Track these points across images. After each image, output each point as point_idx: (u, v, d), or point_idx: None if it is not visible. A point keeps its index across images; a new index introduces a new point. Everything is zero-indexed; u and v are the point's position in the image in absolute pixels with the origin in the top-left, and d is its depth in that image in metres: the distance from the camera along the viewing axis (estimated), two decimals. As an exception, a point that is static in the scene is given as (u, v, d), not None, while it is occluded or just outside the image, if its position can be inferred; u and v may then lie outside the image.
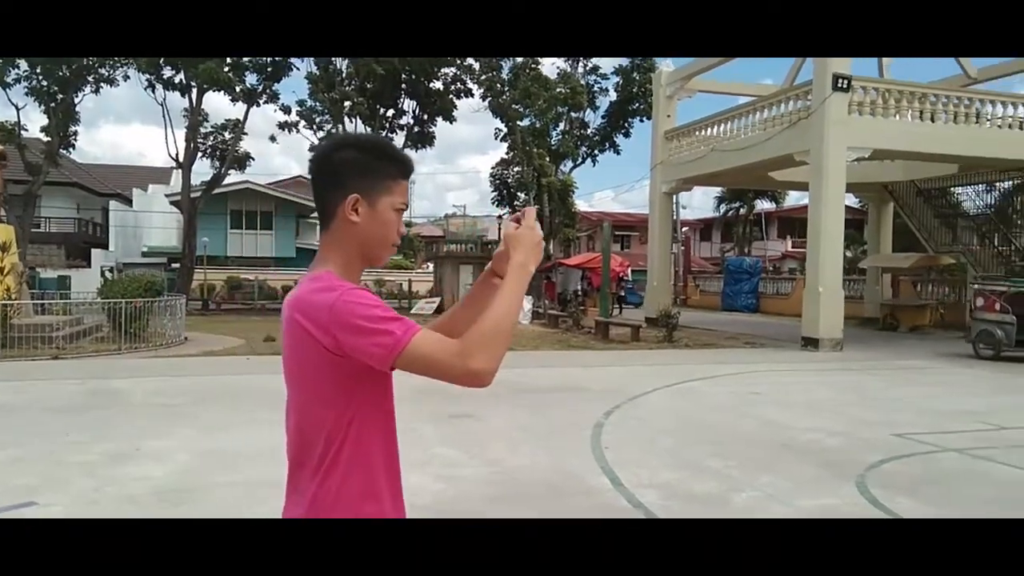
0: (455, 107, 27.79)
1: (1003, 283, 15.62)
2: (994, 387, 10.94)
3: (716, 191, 42.15)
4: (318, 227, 1.58)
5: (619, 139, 30.05)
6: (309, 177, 1.62)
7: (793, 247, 45.14)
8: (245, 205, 34.75)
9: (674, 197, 24.35)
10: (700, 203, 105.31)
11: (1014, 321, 14.08)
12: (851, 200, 29.18)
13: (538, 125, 28.37)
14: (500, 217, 33.22)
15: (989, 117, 17.52)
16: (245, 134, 28.37)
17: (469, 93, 27.82)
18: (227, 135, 27.53)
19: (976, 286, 16.03)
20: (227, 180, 29.77)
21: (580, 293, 25.17)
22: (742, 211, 43.94)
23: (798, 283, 26.79)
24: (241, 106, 26.59)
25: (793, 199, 42.53)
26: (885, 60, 21.34)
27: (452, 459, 6.28)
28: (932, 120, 16.50)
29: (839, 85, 15.41)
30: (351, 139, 1.64)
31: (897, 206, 23.42)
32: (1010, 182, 22.11)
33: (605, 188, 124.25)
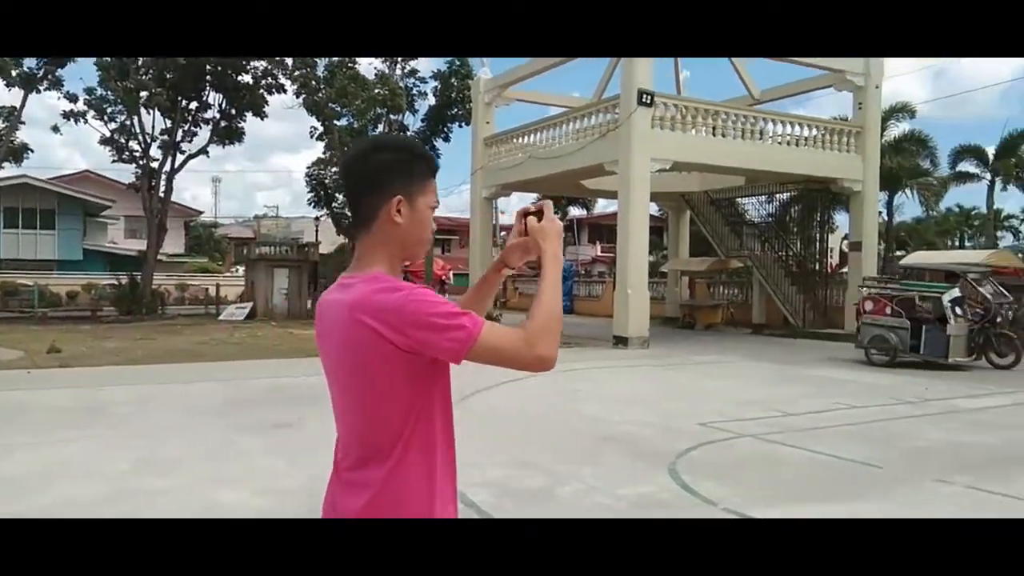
0: (266, 103, 26.54)
1: (893, 287, 15.15)
2: (779, 378, 12.18)
3: (533, 197, 43.59)
4: (351, 228, 1.68)
5: (439, 143, 30.18)
6: (343, 181, 1.68)
7: (602, 251, 47.73)
8: (22, 202, 30.99)
9: (494, 202, 24.85)
10: (518, 208, 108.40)
11: (908, 326, 13.77)
12: (653, 208, 31.35)
13: (356, 125, 27.80)
14: (317, 219, 32.14)
15: (771, 135, 19.59)
16: (22, 123, 25.34)
17: (281, 89, 26.66)
18: (0, 123, 24.43)
19: (865, 290, 15.38)
20: (0, 174, 26.44)
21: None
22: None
23: (607, 286, 28.33)
24: (18, 92, 23.72)
25: (601, 206, 44.98)
26: (682, 77, 23.16)
27: (275, 470, 5.96)
28: (723, 136, 18.12)
29: (643, 100, 16.49)
30: (385, 141, 1.73)
31: (693, 214, 25.47)
32: (787, 194, 24.78)
33: None
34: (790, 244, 24.60)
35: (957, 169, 33.71)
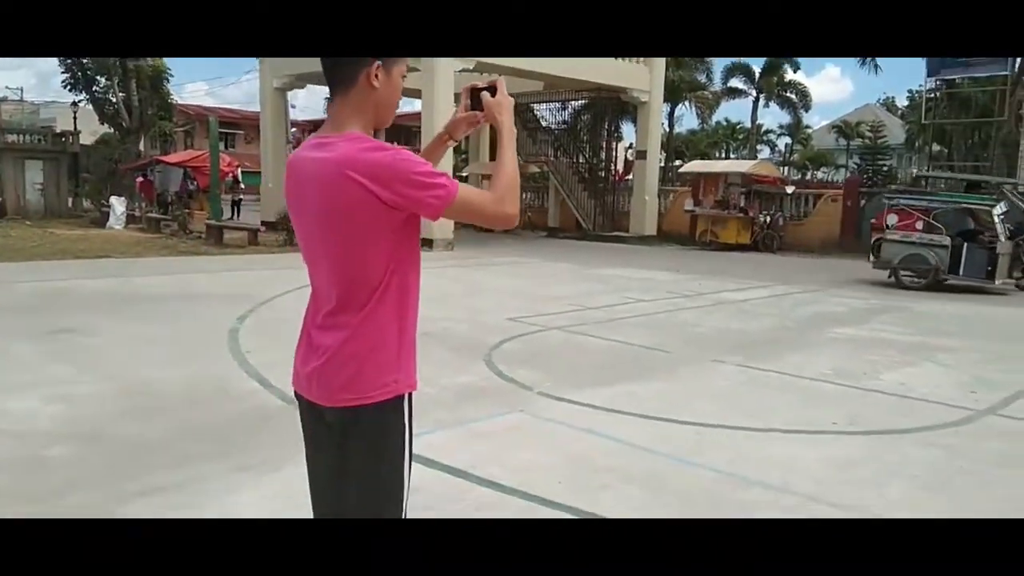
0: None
1: (925, 198, 13.11)
2: (576, 277, 12.98)
3: (326, 91, 41.41)
4: (332, 91, 1.70)
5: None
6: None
7: (400, 153, 46.85)
8: None
9: (286, 94, 23.33)
10: (307, 103, 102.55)
11: (948, 243, 11.89)
12: (453, 110, 31.12)
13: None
14: (76, 105, 28.28)
15: (568, 42, 20.04)
16: None
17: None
18: None
19: (889, 201, 13.29)
20: None
21: (184, 195, 23.00)
22: (351, 115, 43.98)
23: (407, 187, 28.04)
24: None
25: (403, 104, 43.83)
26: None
27: (64, 377, 5.44)
28: (526, 39, 18.25)
29: None
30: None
31: (493, 118, 25.66)
32: (580, 102, 25.69)
33: (198, 80, 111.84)
34: (582, 151, 25.75)
35: (728, 85, 36.76)
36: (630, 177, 26.08)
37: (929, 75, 19.75)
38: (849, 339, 7.84)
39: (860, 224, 17.84)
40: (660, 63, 22.21)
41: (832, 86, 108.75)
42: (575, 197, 23.70)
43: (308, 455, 1.84)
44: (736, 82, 36.58)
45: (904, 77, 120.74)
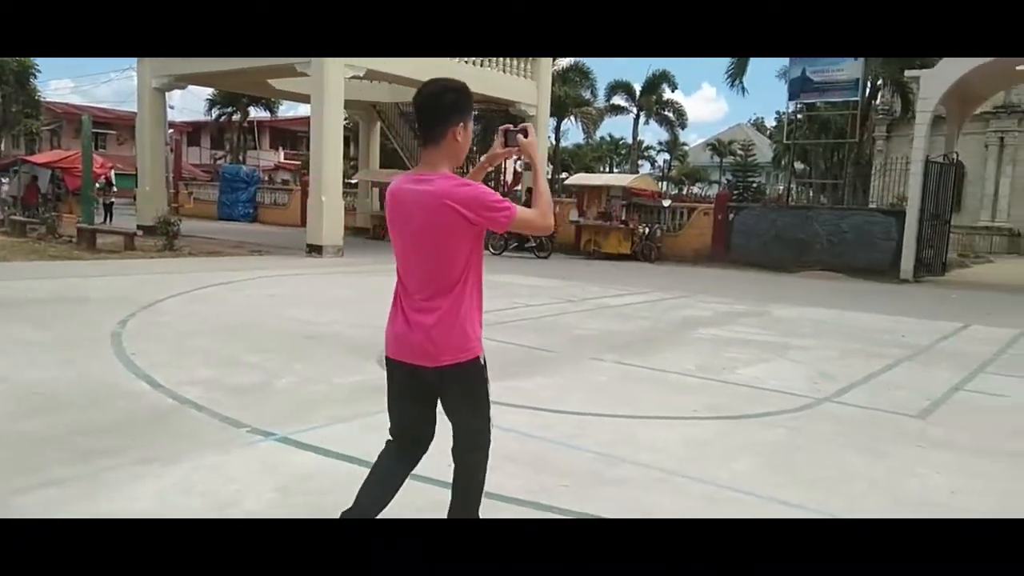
0: None
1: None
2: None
3: (207, 93, 40.06)
4: (427, 140, 2.50)
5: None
6: (421, 112, 2.44)
7: (286, 158, 45.85)
8: None
9: (166, 95, 22.50)
10: (184, 104, 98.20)
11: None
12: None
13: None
14: None
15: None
16: None
17: None
18: None
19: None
20: None
21: (52, 196, 21.75)
22: (235, 118, 42.71)
23: (295, 194, 27.64)
24: None
25: (284, 110, 42.96)
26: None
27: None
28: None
29: (340, 3, 16.13)
30: (449, 84, 2.47)
31: (384, 125, 25.73)
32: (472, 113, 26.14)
33: (63, 77, 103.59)
34: (472, 162, 26.17)
35: (611, 102, 38.28)
36: (519, 188, 26.76)
37: (791, 99, 21.44)
38: (713, 339, 8.58)
39: (729, 236, 19.17)
40: (547, 78, 22.98)
41: (708, 106, 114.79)
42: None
43: (402, 407, 2.69)
44: (619, 99, 38.20)
45: (773, 99, 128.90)
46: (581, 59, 34.63)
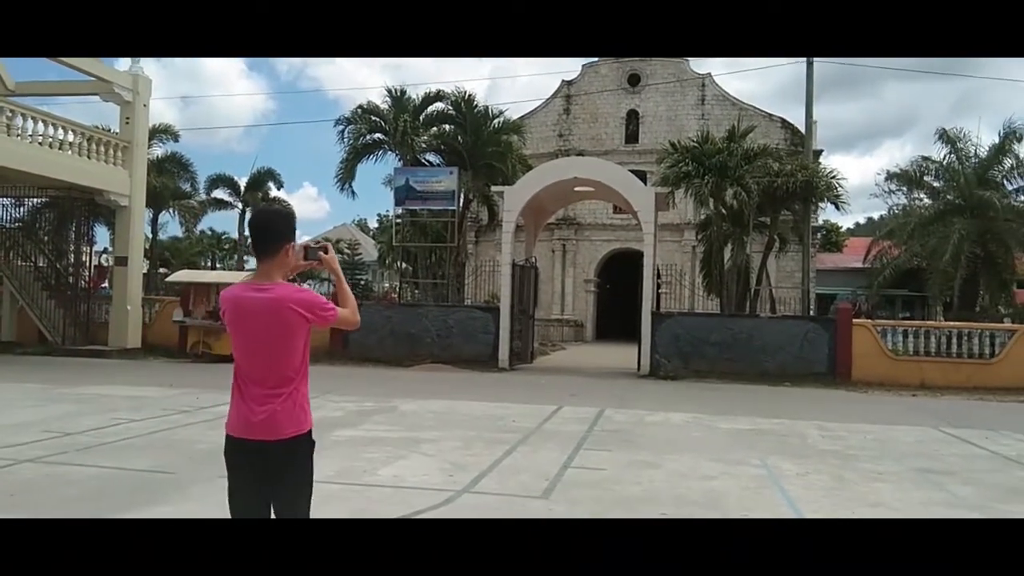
0: None
1: None
2: (47, 398, 11.21)
3: None
4: (263, 256, 2.93)
5: None
6: (259, 231, 2.97)
7: None
8: None
9: None
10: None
11: None
12: None
13: None
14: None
15: (29, 132, 17.79)
16: None
17: None
18: None
19: None
20: None
21: None
22: None
23: None
24: None
25: None
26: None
27: None
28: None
29: None
30: (283, 211, 3.50)
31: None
32: (40, 199, 22.75)
33: None
34: (46, 254, 22.63)
35: (213, 195, 36.63)
36: (106, 284, 23.76)
37: (397, 205, 22.92)
38: (349, 440, 8.47)
39: (346, 333, 19.39)
40: (142, 167, 21.16)
41: (311, 204, 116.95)
42: (38, 306, 20.53)
43: (239, 486, 2.88)
44: (221, 193, 36.73)
45: (375, 202, 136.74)
46: (179, 151, 32.78)
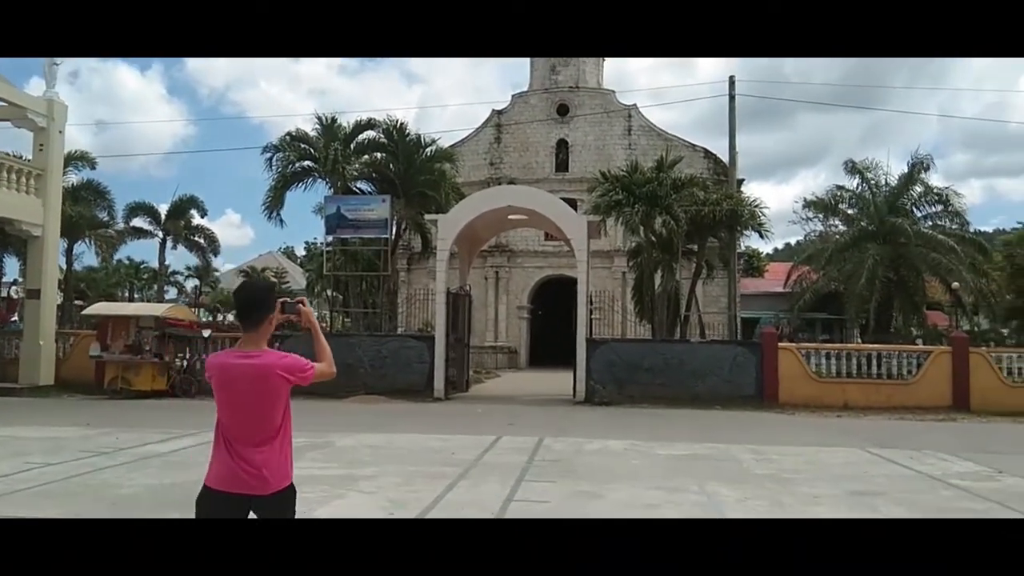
0: None
1: None
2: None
3: None
4: (248, 327, 3.23)
5: None
6: (246, 304, 3.26)
7: None
8: None
9: None
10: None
11: None
12: None
13: None
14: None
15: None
16: None
17: None
18: None
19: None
20: None
21: None
22: None
23: None
24: None
25: None
26: None
27: None
28: None
29: None
30: (266, 285, 4.06)
31: None
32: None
33: None
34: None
35: (132, 224, 35.26)
36: (15, 318, 22.54)
37: (328, 233, 22.51)
38: (283, 480, 8.15)
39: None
40: (56, 195, 20.22)
41: (235, 231, 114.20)
42: (-62, 343, 19.26)
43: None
44: (141, 222, 35.40)
45: (302, 229, 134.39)
46: (96, 178, 31.50)
